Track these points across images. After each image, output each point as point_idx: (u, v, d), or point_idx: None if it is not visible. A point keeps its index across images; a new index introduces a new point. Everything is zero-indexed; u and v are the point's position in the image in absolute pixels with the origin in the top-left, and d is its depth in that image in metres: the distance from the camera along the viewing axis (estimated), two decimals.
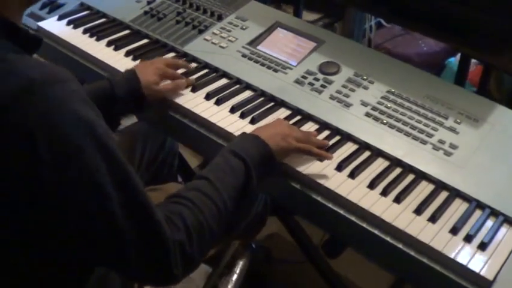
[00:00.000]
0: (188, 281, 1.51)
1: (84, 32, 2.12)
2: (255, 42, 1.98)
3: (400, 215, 1.44)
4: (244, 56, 1.93)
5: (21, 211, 1.10)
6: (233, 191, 1.37)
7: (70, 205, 1.11)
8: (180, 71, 1.89)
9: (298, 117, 1.73)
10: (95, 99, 1.54)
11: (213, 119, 1.71)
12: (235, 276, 1.46)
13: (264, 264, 2.34)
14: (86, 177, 1.09)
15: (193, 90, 1.82)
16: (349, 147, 1.64)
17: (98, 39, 2.08)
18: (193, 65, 1.94)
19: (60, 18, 2.19)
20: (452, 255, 1.35)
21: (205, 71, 1.92)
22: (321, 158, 1.57)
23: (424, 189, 1.52)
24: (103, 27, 2.15)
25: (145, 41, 2.07)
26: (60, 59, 2.11)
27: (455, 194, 1.50)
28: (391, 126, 1.66)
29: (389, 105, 1.71)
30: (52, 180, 1.07)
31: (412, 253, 1.39)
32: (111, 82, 1.72)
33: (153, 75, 1.77)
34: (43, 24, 2.17)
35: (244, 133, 1.56)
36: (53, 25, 2.17)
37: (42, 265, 1.21)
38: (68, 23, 2.17)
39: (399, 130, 1.65)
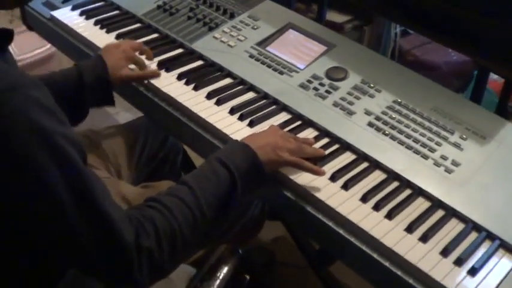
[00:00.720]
0: (168, 282, 1.47)
1: (95, 23, 2.09)
2: (264, 42, 1.93)
3: (390, 232, 1.38)
4: (251, 56, 1.88)
5: None
6: (214, 200, 1.32)
7: (25, 213, 1.09)
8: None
9: (298, 123, 1.67)
10: (63, 88, 1.55)
11: (210, 119, 1.67)
12: (217, 282, 1.42)
13: (266, 267, 2.30)
14: (40, 185, 1.07)
15: (196, 88, 1.77)
16: (346, 157, 1.58)
17: (107, 32, 2.05)
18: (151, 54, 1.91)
19: (73, 9, 2.17)
20: (438, 279, 1.28)
21: (210, 69, 1.87)
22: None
23: (419, 206, 1.46)
24: (114, 19, 2.12)
25: (154, 35, 2.04)
26: (70, 49, 2.10)
27: (451, 213, 1.43)
28: (393, 138, 1.59)
29: (393, 116, 1.65)
30: (6, 188, 1.05)
31: (399, 272, 1.32)
32: (79, 68, 1.68)
33: (120, 59, 1.75)
34: (56, 13, 2.15)
35: (234, 141, 1.51)
36: (66, 15, 2.15)
37: (11, 269, 1.20)
38: (81, 14, 2.15)
39: (401, 142, 1.58)
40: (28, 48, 3.22)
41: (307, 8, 3.54)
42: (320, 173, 1.49)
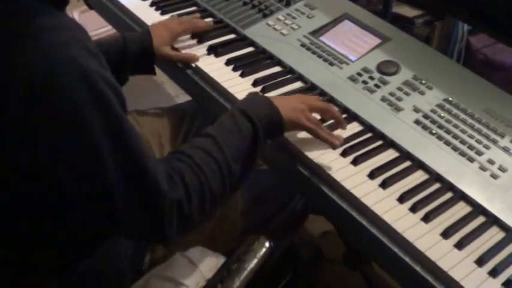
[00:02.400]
0: (195, 269, 1.46)
1: (151, 4, 2.08)
2: (318, 32, 1.88)
3: (425, 236, 1.32)
4: (303, 45, 1.83)
5: (13, 161, 1.10)
6: (238, 152, 1.34)
7: (60, 152, 1.08)
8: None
9: (343, 116, 1.62)
10: (106, 52, 1.55)
11: None
12: (244, 273, 1.39)
13: (311, 263, 2.26)
14: (77, 126, 1.07)
15: (243, 75, 1.74)
16: (389, 155, 1.52)
17: (162, 13, 2.04)
18: (210, 22, 1.94)
19: None
20: None
21: (260, 56, 1.83)
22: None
23: (459, 211, 1.39)
24: (170, 1, 2.10)
25: (208, 19, 2.00)
26: (126, 30, 2.08)
27: (492, 220, 1.37)
28: (440, 138, 1.53)
29: (442, 115, 1.58)
30: (44, 124, 1.05)
31: (430, 279, 1.26)
32: (124, 38, 1.72)
33: (164, 36, 1.77)
34: None
35: (258, 93, 1.51)
36: None
37: (44, 233, 1.21)
38: None
39: (447, 143, 1.52)
40: (92, 26, 3.23)
41: (378, 0, 3.46)
42: (334, 144, 1.47)
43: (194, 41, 1.88)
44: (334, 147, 1.48)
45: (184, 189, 1.21)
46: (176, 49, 1.83)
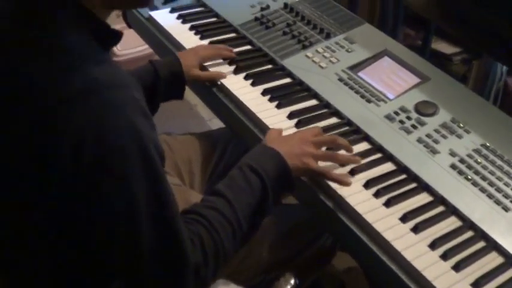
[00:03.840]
0: None
1: (191, 28, 2.08)
2: (356, 67, 1.86)
3: (454, 285, 1.29)
4: (341, 79, 1.82)
5: (50, 205, 1.10)
6: (249, 210, 1.35)
7: (99, 205, 1.09)
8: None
9: (378, 155, 1.60)
10: (138, 81, 1.55)
11: None
12: None
13: None
14: (122, 184, 1.08)
15: (279, 106, 1.73)
16: (423, 198, 1.50)
17: (201, 38, 2.04)
18: (234, 52, 1.93)
19: (172, 11, 2.17)
20: None
21: (297, 88, 1.82)
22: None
23: (491, 261, 1.36)
24: (210, 26, 2.10)
25: (247, 47, 2.00)
26: (163, 51, 2.09)
27: None
28: (475, 184, 1.50)
29: (479, 160, 1.56)
30: (88, 179, 1.06)
31: None
32: (153, 64, 1.74)
33: (193, 60, 1.81)
34: (154, 14, 2.15)
35: (263, 145, 1.50)
36: (164, 16, 2.15)
37: (64, 267, 1.20)
38: (178, 17, 2.14)
39: (482, 190, 1.49)
40: (129, 45, 3.25)
41: (416, 35, 3.44)
42: (347, 183, 1.47)
43: (231, 69, 1.87)
44: (346, 185, 1.47)
45: (202, 253, 1.22)
46: (205, 68, 1.87)
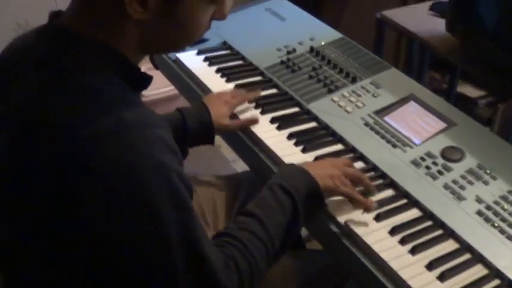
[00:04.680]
0: None
1: (217, 71, 2.10)
2: (382, 112, 1.86)
3: None
4: (366, 124, 1.82)
5: (79, 245, 1.10)
6: (280, 229, 1.37)
7: (129, 248, 1.10)
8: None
9: (404, 201, 1.59)
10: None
11: None
12: None
13: None
14: (152, 225, 1.09)
15: (304, 151, 1.73)
16: (449, 245, 1.48)
17: (227, 81, 2.05)
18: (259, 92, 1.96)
19: (199, 53, 2.19)
20: None
21: (322, 132, 1.83)
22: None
23: None
24: (237, 69, 2.12)
25: (273, 90, 2.01)
26: (189, 93, 2.12)
27: None
28: (502, 232, 1.49)
29: (506, 207, 1.54)
30: (118, 216, 1.07)
31: None
32: (182, 113, 1.75)
33: (223, 109, 1.80)
34: (181, 55, 2.17)
35: (293, 165, 1.53)
36: (190, 58, 2.16)
37: None
38: (205, 59, 2.16)
39: (509, 237, 1.47)
40: (155, 85, 3.26)
41: (442, 78, 3.45)
42: (370, 207, 1.52)
43: (257, 111, 1.89)
44: (369, 210, 1.51)
45: (238, 276, 1.23)
46: (235, 115, 1.87)
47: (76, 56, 1.13)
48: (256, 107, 1.91)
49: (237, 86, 2.01)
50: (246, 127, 1.82)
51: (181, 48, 1.30)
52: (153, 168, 1.07)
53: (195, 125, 1.75)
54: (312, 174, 1.48)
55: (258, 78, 2.09)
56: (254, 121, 1.82)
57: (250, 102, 1.90)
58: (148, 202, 1.08)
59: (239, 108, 1.89)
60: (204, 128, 1.77)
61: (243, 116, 1.86)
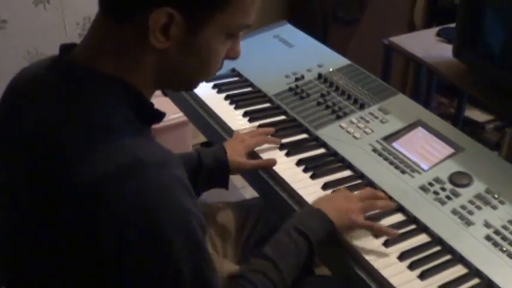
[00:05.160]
0: None
1: (226, 98, 2.12)
2: (390, 138, 1.88)
3: None
4: (375, 150, 1.83)
5: (91, 278, 1.10)
6: (294, 271, 1.41)
7: (144, 284, 1.09)
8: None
9: (412, 226, 1.60)
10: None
11: None
12: None
13: None
14: (168, 268, 1.09)
15: (313, 177, 1.74)
16: (457, 270, 1.49)
17: (236, 108, 2.07)
18: (279, 140, 1.91)
19: (207, 80, 2.20)
20: None
21: (331, 158, 1.84)
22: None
23: None
24: (245, 96, 2.14)
25: (281, 117, 2.03)
26: (198, 120, 2.13)
27: None
28: (510, 256, 1.49)
29: None
30: (133, 262, 1.06)
31: None
32: (198, 152, 1.76)
33: (239, 148, 1.80)
34: None
35: (309, 207, 1.56)
36: (199, 86, 2.16)
37: None
38: (214, 86, 2.18)
39: None
40: (165, 111, 3.29)
41: (450, 103, 3.46)
42: (394, 234, 1.53)
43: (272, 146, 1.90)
44: (394, 236, 1.53)
45: None
46: (256, 154, 1.86)
47: (92, 92, 1.13)
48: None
49: (245, 113, 2.03)
50: (264, 168, 1.81)
51: (195, 83, 1.28)
52: (171, 211, 1.07)
53: (209, 162, 1.75)
54: (328, 214, 1.50)
55: (267, 105, 2.10)
56: (272, 163, 1.79)
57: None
58: (164, 246, 1.07)
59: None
60: (218, 166, 1.76)
61: (263, 155, 1.86)
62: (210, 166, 1.75)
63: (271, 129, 1.93)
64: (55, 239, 1.10)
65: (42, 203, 1.10)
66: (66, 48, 1.21)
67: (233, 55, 1.26)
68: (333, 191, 1.69)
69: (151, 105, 1.21)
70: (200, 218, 1.13)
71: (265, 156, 1.84)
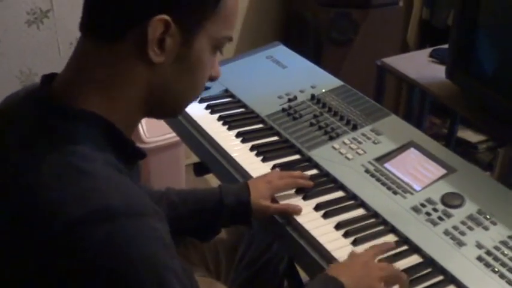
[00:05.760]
0: None
1: (219, 118, 2.12)
2: (383, 159, 1.88)
3: None
4: (367, 171, 1.83)
5: None
6: None
7: None
8: None
9: (404, 247, 1.60)
10: (202, 204, 1.63)
11: (314, 232, 1.63)
12: None
13: None
14: None
15: (305, 198, 1.75)
16: None
17: (229, 129, 2.07)
18: (311, 182, 1.80)
19: (201, 101, 2.21)
20: None
21: (323, 179, 1.84)
22: None
23: None
24: (238, 117, 2.14)
25: (274, 138, 2.03)
26: (190, 140, 2.14)
27: None
28: (502, 277, 1.49)
29: (506, 252, 1.55)
30: None
31: None
32: (221, 189, 1.70)
33: (264, 190, 1.72)
34: None
35: (326, 275, 1.46)
36: (192, 106, 2.10)
37: None
38: (207, 107, 2.18)
39: (509, 282, 1.48)
40: (157, 132, 3.30)
41: (442, 123, 3.47)
42: None
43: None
44: None
45: None
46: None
47: (68, 133, 1.09)
48: (257, 155, 1.93)
49: (238, 134, 2.04)
50: (288, 214, 1.71)
51: (184, 105, 1.26)
52: (141, 262, 1.01)
53: (231, 201, 1.68)
54: (344, 284, 1.42)
55: (259, 126, 2.11)
56: (298, 209, 1.70)
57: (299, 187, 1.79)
58: None
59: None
60: (241, 207, 1.69)
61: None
62: (231, 206, 1.68)
63: (308, 181, 1.81)
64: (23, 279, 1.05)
65: (13, 242, 1.05)
66: (47, 80, 1.16)
67: (214, 74, 1.25)
68: (351, 254, 1.57)
69: (133, 144, 1.18)
70: (176, 271, 1.07)
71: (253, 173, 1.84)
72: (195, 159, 2.31)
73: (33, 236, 1.02)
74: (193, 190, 1.76)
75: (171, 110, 1.27)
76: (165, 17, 1.08)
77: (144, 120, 3.33)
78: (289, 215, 1.70)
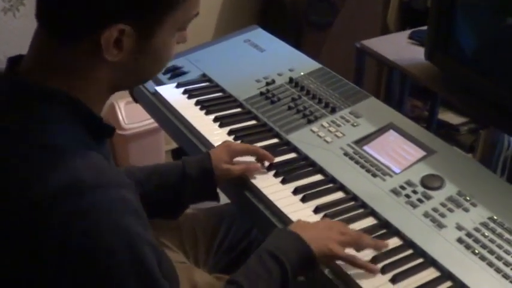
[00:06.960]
0: None
1: (196, 103, 2.09)
2: (362, 141, 1.86)
3: None
4: (346, 154, 1.81)
5: None
6: None
7: None
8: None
9: (383, 230, 1.59)
10: (166, 179, 1.58)
11: (293, 216, 1.61)
12: None
13: None
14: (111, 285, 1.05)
15: (283, 182, 1.72)
16: (429, 274, 1.48)
17: (207, 113, 2.04)
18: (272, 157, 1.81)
19: (178, 86, 2.18)
20: None
21: (302, 163, 1.82)
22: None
23: None
24: (216, 101, 2.11)
25: (252, 122, 2.01)
26: (168, 126, 2.12)
27: None
28: (482, 258, 1.48)
29: (486, 234, 1.54)
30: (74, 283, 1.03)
31: None
32: (183, 161, 1.69)
33: (224, 154, 1.73)
34: (160, 89, 2.17)
35: (284, 229, 1.48)
36: (170, 91, 2.16)
37: None
38: (184, 92, 2.16)
39: (490, 264, 1.47)
40: (137, 118, 3.27)
41: (423, 105, 3.46)
42: (374, 271, 1.43)
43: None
44: (374, 272, 1.44)
45: None
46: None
47: (36, 110, 1.09)
48: (235, 139, 1.91)
49: (216, 119, 2.02)
50: (250, 172, 1.74)
51: (151, 78, 1.29)
52: (115, 234, 1.03)
53: (194, 171, 1.68)
54: (306, 239, 1.42)
55: (237, 110, 2.08)
56: (257, 167, 1.74)
57: (260, 157, 1.79)
58: (108, 269, 1.03)
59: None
60: (204, 174, 1.69)
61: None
62: (195, 176, 1.68)
63: (269, 154, 1.81)
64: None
65: None
66: (13, 61, 1.17)
67: (182, 40, 1.24)
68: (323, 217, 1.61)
69: (101, 120, 1.17)
70: (150, 241, 1.09)
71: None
72: (175, 145, 2.29)
73: (5, 216, 1.02)
74: (156, 165, 1.74)
75: (137, 84, 1.36)
76: (119, 26, 1.07)
77: (123, 107, 3.33)
78: (250, 175, 1.73)
